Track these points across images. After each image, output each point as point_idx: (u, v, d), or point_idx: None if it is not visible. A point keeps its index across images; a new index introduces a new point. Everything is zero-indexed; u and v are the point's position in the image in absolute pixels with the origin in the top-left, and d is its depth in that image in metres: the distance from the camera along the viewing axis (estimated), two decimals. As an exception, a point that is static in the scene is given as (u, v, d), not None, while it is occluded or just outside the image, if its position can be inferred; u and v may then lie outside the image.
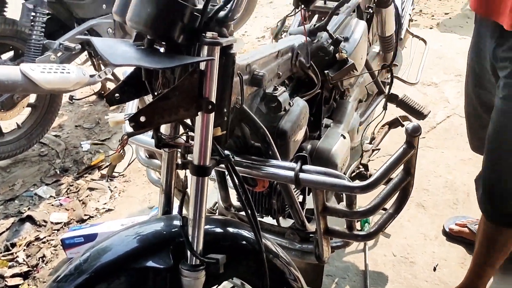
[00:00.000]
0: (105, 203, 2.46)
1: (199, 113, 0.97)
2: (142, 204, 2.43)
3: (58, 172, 2.73)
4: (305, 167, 1.15)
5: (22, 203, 2.48)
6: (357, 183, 1.13)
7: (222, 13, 0.98)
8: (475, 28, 1.53)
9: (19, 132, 2.75)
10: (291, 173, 1.13)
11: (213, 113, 0.98)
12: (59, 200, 2.50)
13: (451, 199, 2.18)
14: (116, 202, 2.47)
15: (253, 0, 3.54)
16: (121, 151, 1.12)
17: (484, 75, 1.51)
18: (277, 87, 1.26)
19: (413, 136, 1.18)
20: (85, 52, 2.95)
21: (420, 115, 2.02)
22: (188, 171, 1.04)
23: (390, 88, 1.79)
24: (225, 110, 1.06)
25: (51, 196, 2.54)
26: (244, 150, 1.23)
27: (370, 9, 1.82)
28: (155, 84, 1.04)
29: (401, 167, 1.21)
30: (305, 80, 1.51)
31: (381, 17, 1.86)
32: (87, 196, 2.50)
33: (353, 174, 1.77)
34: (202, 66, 0.95)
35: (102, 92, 3.37)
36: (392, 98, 2.00)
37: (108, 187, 2.57)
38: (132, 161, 2.69)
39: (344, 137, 1.59)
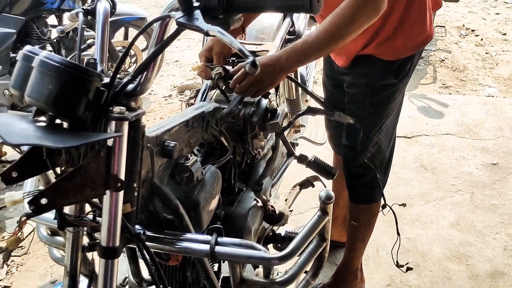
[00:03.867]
0: (1, 280, 2.24)
1: (107, 191, 0.91)
2: (43, 279, 2.23)
3: None
4: (220, 239, 1.12)
5: None
6: (274, 254, 1.11)
7: (130, 86, 0.95)
8: None
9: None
10: (206, 247, 1.10)
11: (122, 191, 0.93)
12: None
13: (361, 255, 2.23)
14: (14, 278, 2.26)
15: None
16: (19, 233, 1.02)
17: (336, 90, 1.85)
18: (189, 156, 1.23)
19: (326, 203, 1.20)
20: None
21: (329, 175, 2.07)
22: (95, 252, 0.97)
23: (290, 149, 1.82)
24: (135, 185, 1.01)
25: None
26: (156, 223, 1.17)
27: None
28: (59, 161, 0.97)
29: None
30: (216, 146, 1.50)
31: (286, 81, 1.91)
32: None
33: (268, 237, 1.75)
34: (110, 142, 0.91)
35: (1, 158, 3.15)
36: (302, 159, 2.04)
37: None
38: (32, 231, 2.49)
39: (258, 202, 1.58)
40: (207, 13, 0.85)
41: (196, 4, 0.85)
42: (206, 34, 0.82)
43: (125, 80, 0.93)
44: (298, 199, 1.89)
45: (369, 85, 1.63)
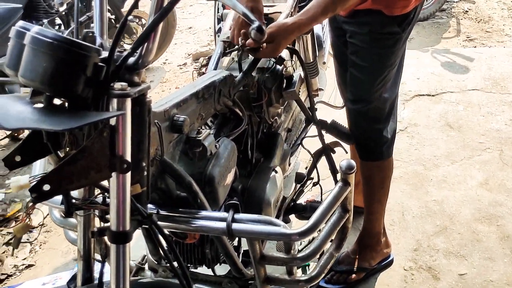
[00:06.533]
0: (25, 258, 2.25)
1: (113, 173, 0.86)
2: (66, 256, 2.24)
3: (-30, 227, 2.48)
4: (237, 216, 1.07)
5: None
6: (294, 229, 1.06)
7: (131, 60, 0.88)
8: None
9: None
10: (223, 225, 1.05)
11: (129, 172, 0.87)
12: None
13: (386, 220, 2.16)
14: (37, 256, 2.27)
15: (172, 27, 3.48)
16: (27, 219, 0.98)
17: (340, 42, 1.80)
18: (201, 130, 1.17)
19: (347, 173, 1.13)
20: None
21: (349, 140, 2.00)
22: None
23: (313, 114, 1.76)
24: (144, 164, 0.96)
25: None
26: (169, 202, 1.12)
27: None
28: (62, 142, 0.92)
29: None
30: (230, 117, 1.43)
31: (302, 43, 1.82)
32: (3, 252, 2.28)
33: (289, 207, 1.70)
34: (113, 121, 0.85)
35: (15, 134, 3.13)
36: (321, 125, 1.96)
37: (27, 239, 2.36)
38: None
39: (276, 172, 1.53)
40: (208, -25, 0.77)
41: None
42: (208, -2, 0.74)
43: (125, 53, 0.86)
44: (320, 166, 1.84)
45: (371, 33, 1.59)
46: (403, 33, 1.58)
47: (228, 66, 1.52)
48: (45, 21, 2.84)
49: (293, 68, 2.12)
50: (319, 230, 1.14)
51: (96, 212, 1.02)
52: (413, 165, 2.53)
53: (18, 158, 0.92)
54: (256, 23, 0.70)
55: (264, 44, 1.33)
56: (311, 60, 1.91)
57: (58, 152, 0.91)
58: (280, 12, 1.65)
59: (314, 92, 2.12)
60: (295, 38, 1.40)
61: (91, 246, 1.05)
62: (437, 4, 4.47)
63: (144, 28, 3.55)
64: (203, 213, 1.09)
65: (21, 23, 0.88)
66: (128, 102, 0.86)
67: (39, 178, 0.79)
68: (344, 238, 1.28)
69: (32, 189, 0.78)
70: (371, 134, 1.78)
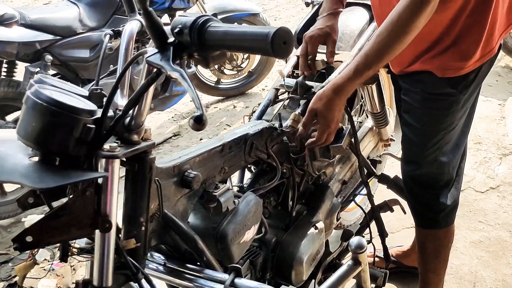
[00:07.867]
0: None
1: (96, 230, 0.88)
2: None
3: (57, 233, 2.68)
4: (238, 280, 1.05)
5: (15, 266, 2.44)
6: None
7: (127, 120, 0.90)
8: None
9: (21, 192, 2.73)
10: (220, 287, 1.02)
11: (113, 230, 0.88)
12: (52, 264, 2.43)
13: (454, 289, 1.97)
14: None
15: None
16: (32, 259, 1.04)
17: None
18: (219, 185, 1.16)
19: (357, 253, 1.05)
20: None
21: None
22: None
23: (361, 171, 1.64)
24: (142, 220, 0.97)
25: (45, 259, 2.48)
26: (179, 255, 1.12)
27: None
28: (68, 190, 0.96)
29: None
30: (266, 169, 1.40)
31: (368, 93, 1.73)
32: (79, 262, 2.43)
33: (331, 264, 1.61)
34: (100, 179, 0.87)
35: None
36: (383, 179, 1.85)
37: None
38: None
39: (316, 228, 1.46)
40: (183, 50, 0.76)
41: (170, 40, 0.76)
42: (169, 76, 0.73)
43: (117, 115, 0.88)
44: (391, 217, 1.72)
45: (424, 92, 1.46)
46: (460, 95, 1.42)
47: (276, 114, 1.49)
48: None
49: (366, 116, 2.03)
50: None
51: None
52: (498, 230, 2.27)
53: (31, 200, 0.96)
54: (198, 112, 0.67)
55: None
56: (379, 111, 1.81)
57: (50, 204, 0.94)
58: (341, 62, 1.58)
59: (385, 143, 2.00)
60: (343, 102, 1.30)
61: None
62: None
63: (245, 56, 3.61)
64: (206, 271, 1.07)
65: (39, 76, 0.93)
66: (116, 163, 0.87)
67: (21, 231, 0.83)
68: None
69: (14, 239, 0.82)
70: (425, 200, 1.62)
